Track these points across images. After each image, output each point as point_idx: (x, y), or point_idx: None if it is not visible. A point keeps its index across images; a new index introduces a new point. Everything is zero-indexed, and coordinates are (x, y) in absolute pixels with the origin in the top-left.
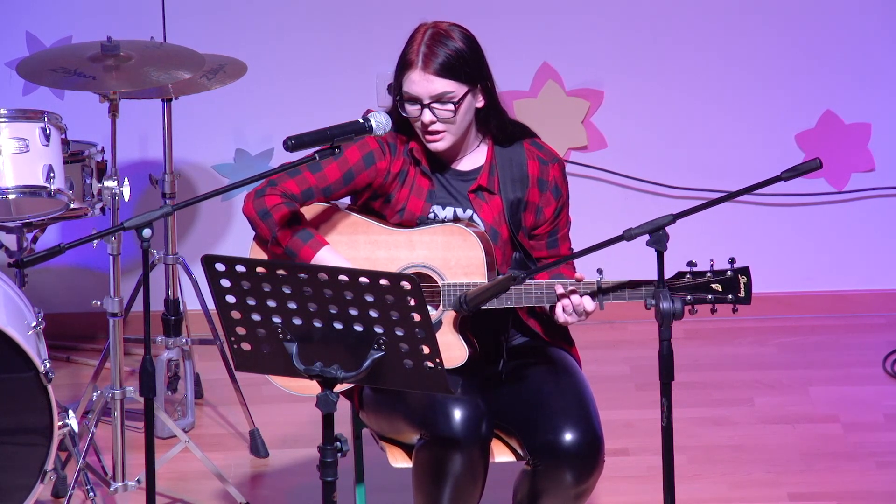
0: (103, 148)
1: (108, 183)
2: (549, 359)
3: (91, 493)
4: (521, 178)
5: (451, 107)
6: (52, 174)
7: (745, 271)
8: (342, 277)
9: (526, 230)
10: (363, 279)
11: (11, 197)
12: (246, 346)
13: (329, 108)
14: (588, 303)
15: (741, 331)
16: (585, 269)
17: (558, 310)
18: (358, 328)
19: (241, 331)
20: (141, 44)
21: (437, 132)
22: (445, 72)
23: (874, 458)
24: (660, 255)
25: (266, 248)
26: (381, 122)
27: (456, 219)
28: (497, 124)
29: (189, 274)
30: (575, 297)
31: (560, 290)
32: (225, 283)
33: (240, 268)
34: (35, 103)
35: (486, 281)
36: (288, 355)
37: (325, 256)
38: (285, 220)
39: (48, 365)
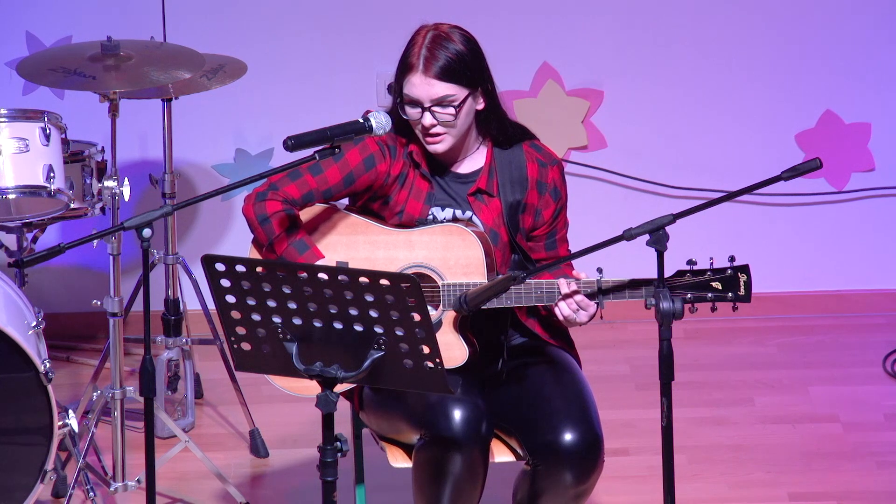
0: (103, 148)
1: (108, 183)
2: (548, 358)
3: (91, 493)
4: (520, 180)
5: (451, 110)
6: (52, 174)
7: (745, 269)
8: (342, 277)
9: (524, 232)
10: (363, 279)
11: (11, 197)
12: (246, 346)
13: (329, 108)
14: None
15: (741, 331)
16: (585, 268)
17: (563, 307)
18: (358, 328)
19: (241, 331)
20: (141, 44)
21: (438, 135)
22: (446, 75)
23: (874, 458)
24: (660, 254)
25: (262, 251)
26: (381, 122)
27: (455, 219)
28: (497, 126)
29: (189, 274)
30: (578, 297)
31: (565, 288)
32: (225, 282)
33: (240, 268)
34: (35, 103)
35: (486, 281)
36: (288, 355)
37: (321, 261)
38: (283, 228)
39: (48, 365)
